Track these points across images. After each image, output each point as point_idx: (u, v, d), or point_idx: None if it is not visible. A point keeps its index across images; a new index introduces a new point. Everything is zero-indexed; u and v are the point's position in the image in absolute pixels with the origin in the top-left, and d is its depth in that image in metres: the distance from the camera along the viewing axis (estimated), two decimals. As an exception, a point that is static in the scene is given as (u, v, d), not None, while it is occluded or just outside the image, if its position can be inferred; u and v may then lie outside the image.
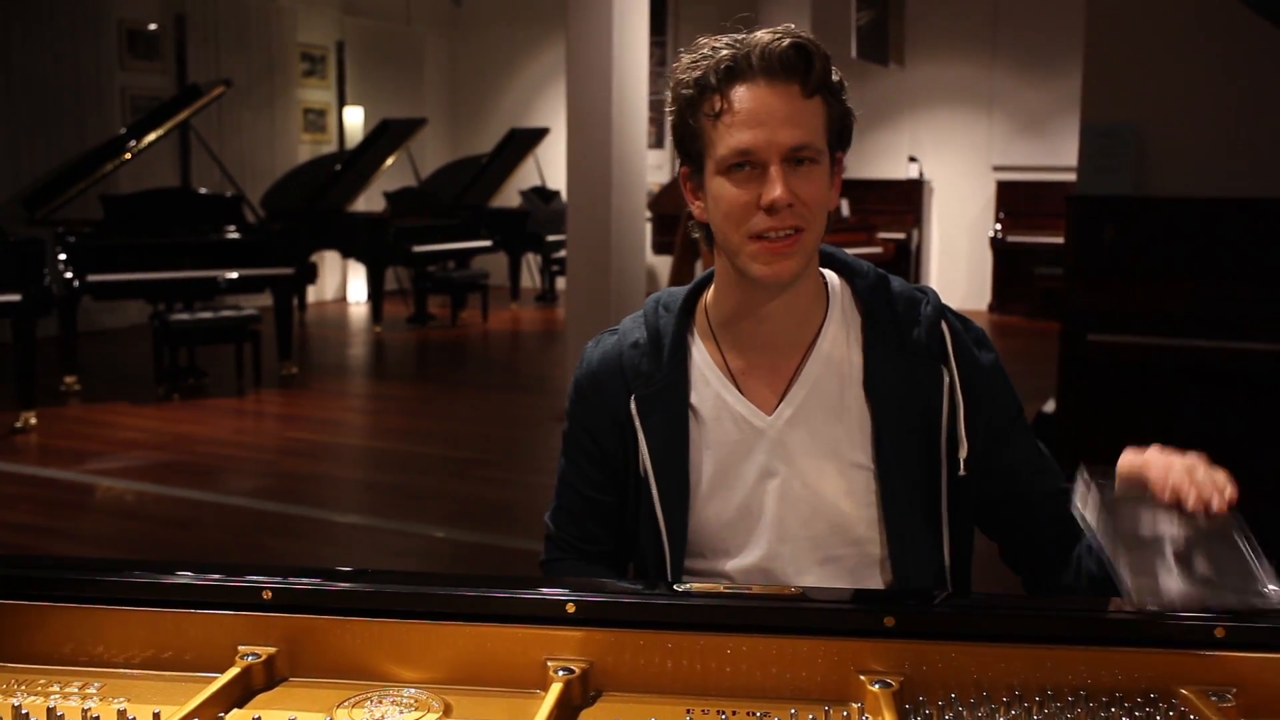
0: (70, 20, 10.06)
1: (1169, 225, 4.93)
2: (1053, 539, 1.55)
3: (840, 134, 1.50)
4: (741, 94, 1.44)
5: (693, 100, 1.47)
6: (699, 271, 6.92)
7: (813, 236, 1.47)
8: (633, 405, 1.58)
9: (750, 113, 1.43)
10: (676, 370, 1.58)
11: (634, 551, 1.66)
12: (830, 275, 1.62)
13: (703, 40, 1.49)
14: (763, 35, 1.45)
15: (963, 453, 1.54)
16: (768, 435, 1.55)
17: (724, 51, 1.45)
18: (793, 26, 1.46)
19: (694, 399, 1.58)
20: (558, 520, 1.70)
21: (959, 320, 1.60)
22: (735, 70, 1.44)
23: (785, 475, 1.55)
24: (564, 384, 6.79)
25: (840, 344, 1.57)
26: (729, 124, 1.44)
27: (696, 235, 1.56)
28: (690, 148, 1.51)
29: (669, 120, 1.53)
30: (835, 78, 1.48)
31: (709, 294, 1.63)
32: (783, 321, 1.56)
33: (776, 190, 1.42)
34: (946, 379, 1.55)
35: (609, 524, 1.67)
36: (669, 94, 1.51)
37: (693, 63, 1.48)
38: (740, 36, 1.47)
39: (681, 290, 1.64)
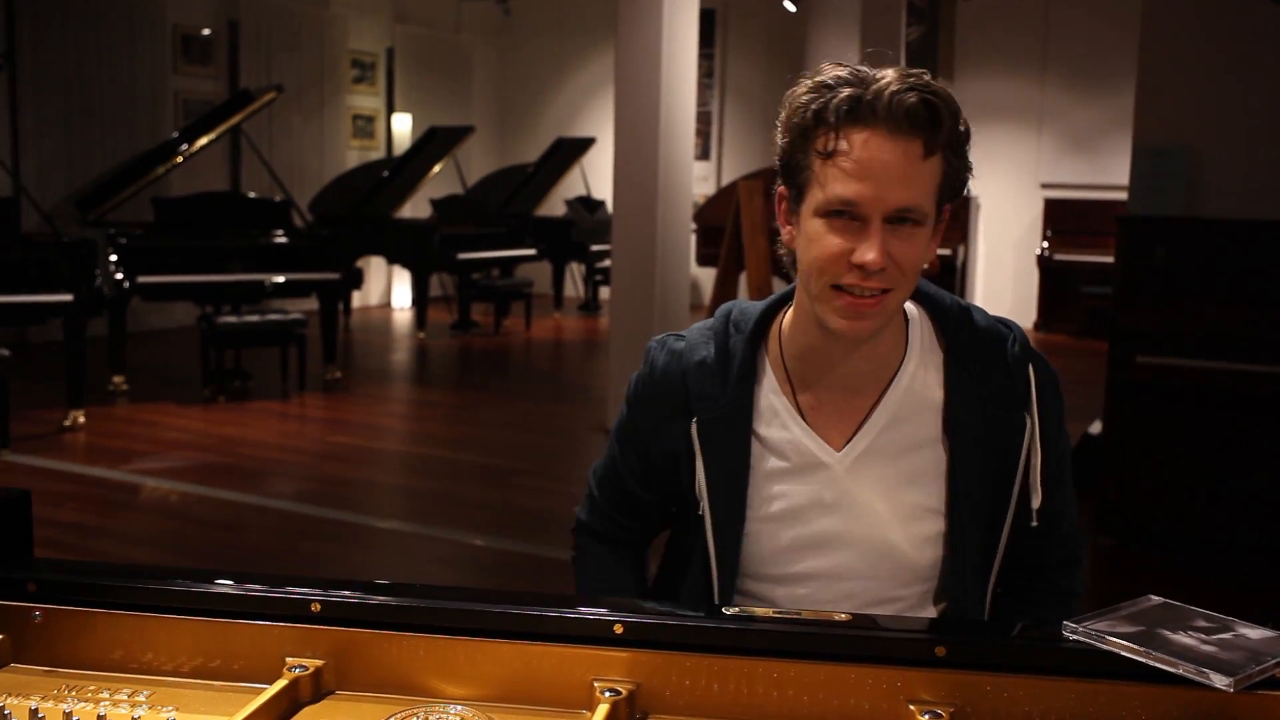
0: (125, 25, 10.20)
1: (1221, 247, 4.87)
2: (1024, 572, 1.60)
3: (953, 189, 1.44)
4: (858, 140, 1.36)
5: (806, 131, 1.39)
6: (743, 285, 6.90)
7: (899, 297, 1.42)
8: (694, 428, 1.53)
9: (863, 163, 1.35)
10: (743, 397, 1.53)
11: (677, 561, 1.65)
12: (910, 308, 1.56)
13: (826, 66, 1.41)
14: (892, 79, 1.36)
15: (1036, 502, 1.51)
16: (835, 471, 1.51)
17: (847, 89, 1.37)
18: (927, 75, 1.38)
19: (759, 427, 1.54)
20: (601, 488, 1.71)
21: (1043, 362, 1.55)
22: (857, 113, 1.36)
23: (849, 513, 1.51)
24: (605, 394, 6.82)
25: (920, 381, 1.52)
26: (839, 168, 1.36)
27: (783, 254, 1.50)
28: (793, 176, 1.43)
29: (778, 141, 1.45)
30: (963, 128, 1.41)
31: (784, 320, 1.56)
32: (860, 365, 1.50)
33: (871, 253, 1.36)
34: (1029, 425, 1.50)
35: (642, 515, 1.69)
36: (781, 116, 1.43)
37: (813, 90, 1.40)
38: (866, 72, 1.39)
39: (755, 309, 1.58)
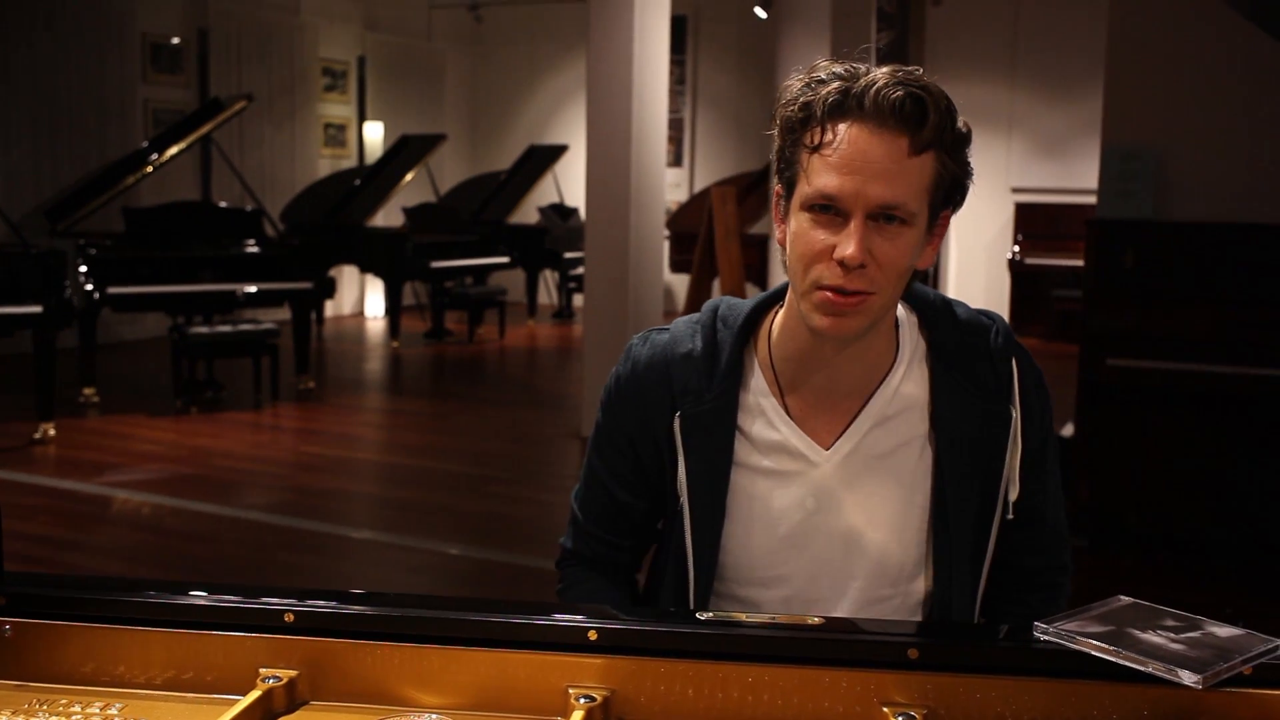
0: (94, 33, 10.14)
1: (1190, 250, 4.91)
2: (1014, 569, 1.60)
3: (950, 193, 1.42)
4: (844, 133, 1.34)
5: (794, 125, 1.38)
6: (716, 292, 6.93)
7: (883, 300, 1.39)
8: (676, 423, 1.52)
9: (846, 157, 1.34)
10: (728, 393, 1.51)
11: (660, 561, 1.63)
12: (900, 310, 1.54)
13: (819, 63, 1.40)
14: (881, 74, 1.35)
15: (1014, 495, 1.51)
16: (822, 469, 1.50)
17: (836, 83, 1.36)
18: (919, 71, 1.36)
19: (745, 425, 1.52)
20: (585, 509, 1.65)
21: (1026, 354, 1.54)
22: (844, 106, 1.34)
23: (836, 512, 1.50)
24: (580, 401, 6.80)
25: (908, 381, 1.51)
26: (824, 161, 1.35)
27: (784, 258, 1.46)
28: (785, 173, 1.42)
29: (773, 141, 1.44)
30: (963, 129, 1.38)
31: (775, 320, 1.54)
32: (850, 368, 1.49)
33: (850, 248, 1.33)
34: (1014, 418, 1.50)
35: (634, 526, 1.64)
36: (775, 112, 1.42)
37: (804, 86, 1.39)
38: (858, 67, 1.38)
39: (744, 305, 1.56)
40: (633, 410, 1.56)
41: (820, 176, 1.35)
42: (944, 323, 1.53)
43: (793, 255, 1.40)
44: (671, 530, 1.56)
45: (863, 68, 1.38)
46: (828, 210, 1.36)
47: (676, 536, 1.55)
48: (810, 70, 1.40)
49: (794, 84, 1.41)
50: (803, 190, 1.38)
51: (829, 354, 1.47)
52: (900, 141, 1.34)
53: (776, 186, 1.45)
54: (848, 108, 1.34)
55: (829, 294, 1.36)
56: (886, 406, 1.50)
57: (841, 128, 1.34)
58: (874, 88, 1.33)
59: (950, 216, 1.46)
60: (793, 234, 1.40)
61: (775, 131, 1.43)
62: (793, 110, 1.38)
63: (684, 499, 1.52)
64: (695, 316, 1.57)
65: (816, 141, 1.36)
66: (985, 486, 1.51)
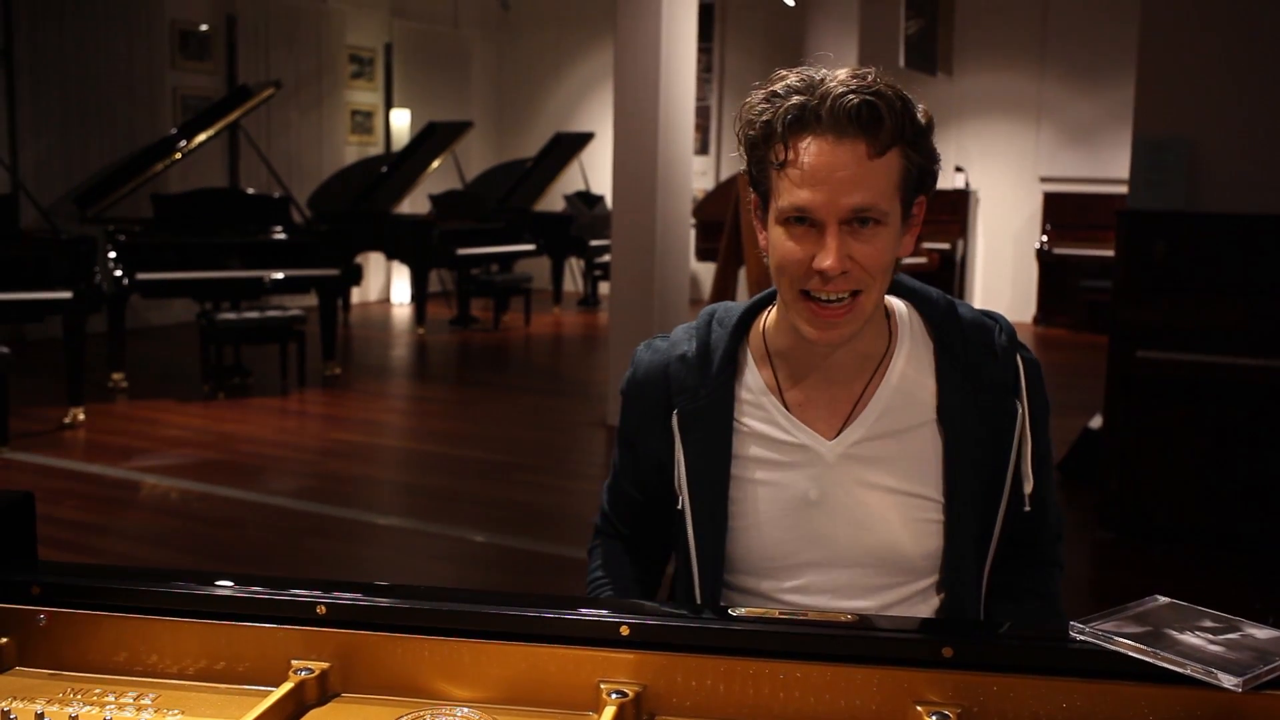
0: (123, 20, 10.18)
1: (1221, 241, 4.87)
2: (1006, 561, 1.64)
3: (920, 182, 1.45)
4: (805, 147, 1.39)
5: (758, 143, 1.43)
6: (742, 280, 6.89)
7: (871, 298, 1.44)
8: (674, 420, 1.57)
9: (812, 169, 1.38)
10: (723, 388, 1.56)
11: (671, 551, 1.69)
12: (897, 303, 1.59)
13: (778, 74, 1.44)
14: (835, 84, 1.39)
15: (1028, 488, 1.54)
16: (826, 460, 1.53)
17: (794, 98, 1.40)
18: (870, 76, 1.40)
19: (744, 419, 1.56)
20: (611, 497, 1.76)
21: (1029, 352, 1.59)
22: (802, 120, 1.39)
23: (842, 502, 1.52)
24: (605, 389, 6.81)
25: (911, 372, 1.55)
26: (790, 177, 1.40)
27: (764, 258, 1.52)
28: (758, 186, 1.48)
29: (741, 156, 1.49)
30: (922, 120, 1.42)
31: (768, 316, 1.60)
32: (843, 358, 1.53)
33: (829, 260, 1.38)
34: (1020, 412, 1.54)
35: (645, 518, 1.70)
36: (738, 129, 1.47)
37: (764, 100, 1.43)
38: (815, 76, 1.41)
39: (739, 307, 1.62)
40: (636, 414, 1.64)
41: (790, 191, 1.40)
42: (949, 322, 1.56)
43: (774, 267, 1.46)
44: (678, 527, 1.59)
45: (819, 75, 1.41)
46: (803, 222, 1.41)
47: (681, 532, 1.58)
48: (768, 84, 1.44)
49: (753, 101, 1.45)
50: (776, 205, 1.43)
51: (823, 347, 1.51)
52: (860, 147, 1.38)
53: (753, 197, 1.50)
54: (806, 121, 1.39)
55: (815, 306, 1.42)
56: (892, 397, 1.53)
57: (803, 142, 1.40)
58: (829, 98, 1.37)
59: (925, 203, 1.49)
60: (773, 246, 1.46)
61: (741, 149, 1.48)
62: (755, 129, 1.43)
63: (684, 494, 1.56)
64: (693, 322, 1.64)
65: (781, 159, 1.41)
66: (991, 478, 1.54)
